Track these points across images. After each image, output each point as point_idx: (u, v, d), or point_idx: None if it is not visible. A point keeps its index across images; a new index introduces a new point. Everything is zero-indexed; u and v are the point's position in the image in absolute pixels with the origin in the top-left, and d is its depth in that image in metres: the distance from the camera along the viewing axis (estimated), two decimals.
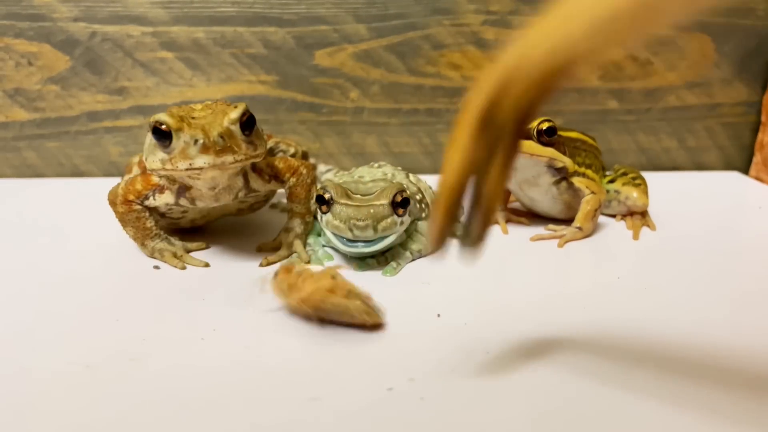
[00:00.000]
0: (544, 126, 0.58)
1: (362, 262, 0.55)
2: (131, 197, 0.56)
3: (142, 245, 0.57)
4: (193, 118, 0.50)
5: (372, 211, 0.51)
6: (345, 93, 0.86)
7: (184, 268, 0.55)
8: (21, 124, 0.85)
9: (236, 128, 0.49)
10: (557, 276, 0.55)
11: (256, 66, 0.84)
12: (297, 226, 0.59)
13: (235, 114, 0.49)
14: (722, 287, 0.52)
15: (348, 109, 0.87)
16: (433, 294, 0.50)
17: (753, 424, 0.34)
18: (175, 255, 0.56)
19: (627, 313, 0.47)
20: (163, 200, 0.55)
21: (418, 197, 0.58)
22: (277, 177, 0.58)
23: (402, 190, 0.53)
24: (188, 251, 0.58)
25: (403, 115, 0.88)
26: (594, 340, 0.43)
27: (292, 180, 0.58)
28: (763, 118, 0.89)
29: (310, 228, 0.61)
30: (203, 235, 0.62)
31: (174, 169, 0.49)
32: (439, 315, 0.46)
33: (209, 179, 0.51)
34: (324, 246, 0.58)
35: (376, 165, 0.63)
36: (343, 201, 0.52)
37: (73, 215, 0.66)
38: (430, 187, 0.62)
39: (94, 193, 0.69)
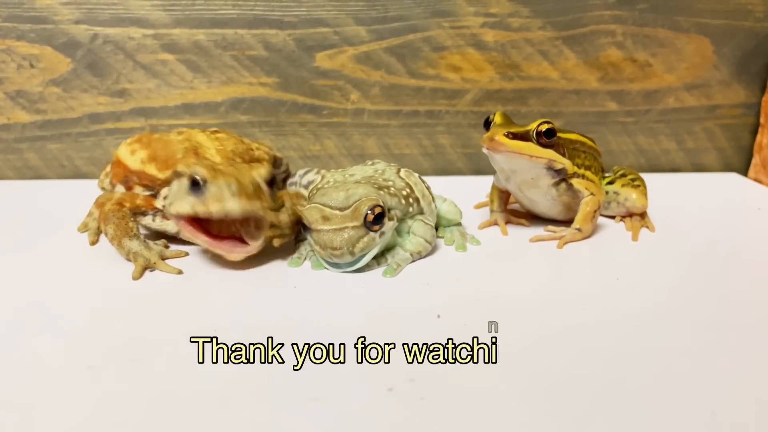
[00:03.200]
0: (544, 128, 0.59)
1: None
2: (126, 204, 0.57)
3: (119, 245, 0.55)
4: (217, 170, 0.52)
5: (346, 236, 0.52)
6: (345, 95, 0.86)
7: (137, 278, 0.53)
8: (23, 125, 0.85)
9: (262, 182, 0.53)
10: (557, 277, 0.56)
11: (257, 68, 0.84)
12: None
13: (263, 171, 0.54)
14: (721, 288, 0.52)
15: (348, 111, 0.87)
16: (433, 295, 0.51)
17: (752, 426, 0.35)
18: (147, 263, 0.54)
19: (626, 314, 0.47)
20: (165, 227, 0.58)
21: (404, 192, 0.58)
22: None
23: (375, 205, 0.53)
24: (164, 258, 0.56)
25: (403, 117, 0.88)
26: (593, 340, 0.43)
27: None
28: (762, 120, 0.89)
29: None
30: None
31: (205, 211, 0.51)
32: (439, 316, 0.46)
33: (230, 260, 0.54)
34: None
35: (369, 163, 0.64)
36: (319, 227, 0.53)
37: (74, 217, 0.66)
38: (423, 182, 0.62)
39: (95, 194, 0.69)
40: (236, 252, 0.53)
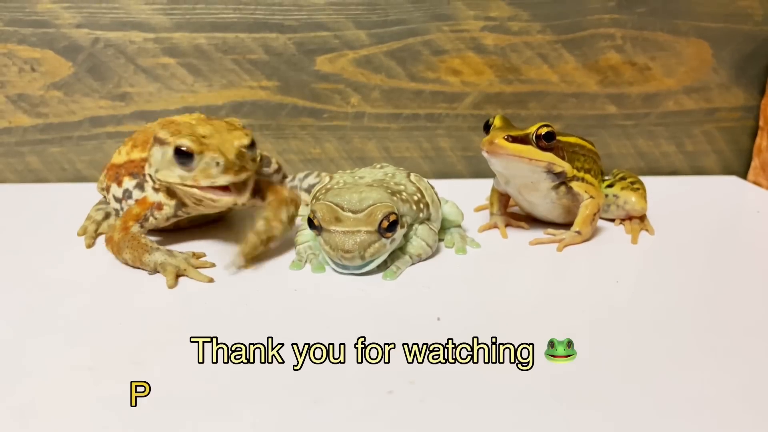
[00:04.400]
0: (543, 131, 0.59)
1: None
2: (130, 223, 0.57)
3: (142, 263, 0.55)
4: (203, 137, 0.54)
5: (359, 239, 0.52)
6: (346, 98, 0.87)
7: (172, 287, 0.53)
8: (24, 129, 0.86)
9: (246, 150, 0.54)
10: (556, 280, 0.56)
11: (258, 72, 0.84)
12: (258, 226, 0.57)
13: (246, 140, 0.54)
14: (721, 290, 0.52)
15: (349, 115, 0.88)
16: (433, 297, 0.51)
17: (751, 427, 0.35)
18: (177, 270, 0.54)
19: (626, 317, 0.47)
20: (164, 215, 0.58)
21: (416, 198, 0.58)
22: (258, 192, 0.60)
23: (390, 213, 0.53)
24: (192, 265, 0.56)
25: (403, 120, 0.88)
26: (593, 343, 0.43)
27: (270, 197, 0.60)
28: (761, 123, 0.89)
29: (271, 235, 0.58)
30: (200, 238, 0.63)
31: (195, 185, 0.53)
32: (439, 318, 0.46)
33: (222, 206, 0.56)
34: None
35: (378, 166, 0.64)
36: (331, 227, 0.53)
37: (75, 220, 0.67)
38: (432, 187, 0.62)
39: (96, 198, 0.70)
40: (225, 198, 0.53)
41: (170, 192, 0.58)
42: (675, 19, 0.85)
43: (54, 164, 0.87)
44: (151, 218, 0.58)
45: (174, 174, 0.54)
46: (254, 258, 0.57)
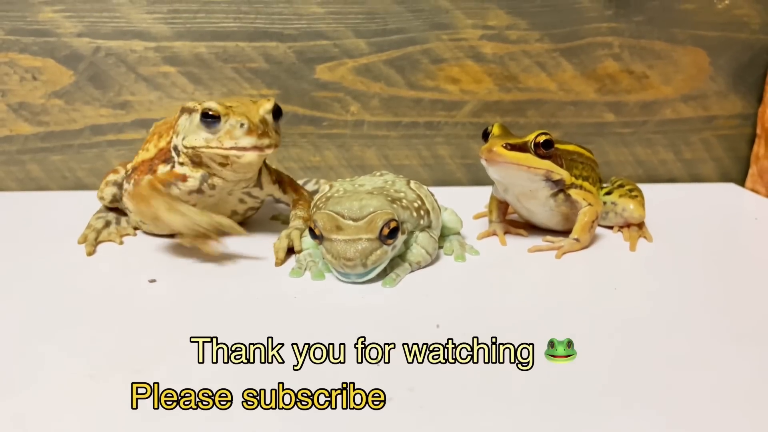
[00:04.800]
0: (541, 139, 0.59)
1: None
2: (156, 183, 0.59)
3: (169, 210, 0.56)
4: (229, 106, 0.57)
5: (360, 247, 0.52)
6: (345, 106, 0.87)
7: (235, 230, 0.57)
8: (25, 137, 0.86)
9: (270, 117, 0.58)
10: (555, 287, 0.56)
11: (258, 80, 0.85)
12: (297, 224, 0.64)
13: (269, 105, 0.59)
14: (719, 297, 0.53)
15: (348, 123, 0.88)
16: (433, 305, 0.51)
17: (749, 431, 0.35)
18: (211, 220, 0.56)
19: (624, 324, 0.47)
20: (189, 187, 0.60)
21: (416, 204, 0.59)
22: (281, 183, 0.66)
23: (391, 220, 0.53)
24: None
25: (402, 128, 0.89)
26: (592, 350, 0.43)
27: (295, 195, 0.67)
28: (759, 131, 0.90)
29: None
30: None
31: (219, 147, 0.56)
32: (438, 326, 0.46)
33: (246, 164, 0.58)
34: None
35: (378, 174, 0.64)
36: (332, 236, 0.53)
37: (76, 228, 0.67)
38: (432, 194, 0.63)
39: (97, 206, 0.70)
40: (248, 154, 0.56)
41: (196, 163, 0.60)
42: (672, 27, 0.86)
43: (55, 172, 0.88)
44: (174, 188, 0.60)
45: (200, 137, 0.57)
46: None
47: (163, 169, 0.61)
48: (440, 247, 0.63)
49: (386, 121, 0.88)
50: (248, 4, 0.82)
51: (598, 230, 0.67)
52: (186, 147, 0.58)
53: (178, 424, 0.36)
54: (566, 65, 0.87)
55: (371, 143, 0.89)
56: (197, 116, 0.57)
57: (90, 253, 0.62)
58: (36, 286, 0.54)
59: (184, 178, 0.60)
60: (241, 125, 0.55)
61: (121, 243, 0.65)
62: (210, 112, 0.56)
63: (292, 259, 0.60)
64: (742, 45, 0.87)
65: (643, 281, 0.57)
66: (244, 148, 0.56)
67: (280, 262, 0.59)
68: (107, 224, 0.66)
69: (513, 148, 0.58)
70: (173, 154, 0.61)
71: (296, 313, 0.49)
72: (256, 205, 0.67)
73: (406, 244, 0.58)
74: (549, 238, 0.65)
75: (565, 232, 0.65)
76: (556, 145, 0.61)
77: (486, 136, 0.62)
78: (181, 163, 0.60)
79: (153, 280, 0.55)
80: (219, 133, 0.56)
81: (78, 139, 0.86)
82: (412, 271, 0.57)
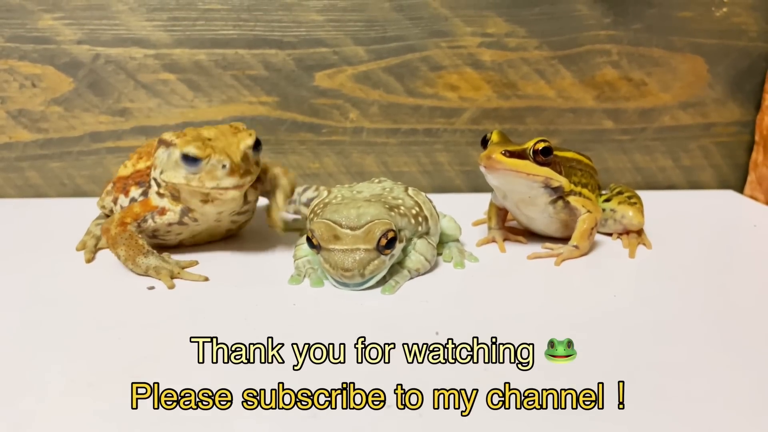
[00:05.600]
0: (540, 146, 0.59)
1: None
2: (128, 220, 0.58)
3: (134, 264, 0.57)
4: (209, 139, 0.56)
5: (358, 257, 0.52)
6: (344, 113, 0.87)
7: (173, 287, 0.55)
8: (24, 144, 0.86)
9: (250, 152, 0.57)
10: (554, 294, 0.56)
11: (257, 87, 0.85)
12: (277, 195, 0.63)
13: (251, 141, 0.57)
14: (718, 304, 0.53)
15: (347, 129, 0.88)
16: (432, 312, 0.51)
17: None
18: (171, 273, 0.56)
19: (624, 331, 0.47)
20: (166, 220, 0.59)
21: (414, 211, 0.59)
22: (256, 181, 0.61)
23: (388, 230, 0.53)
24: (183, 268, 0.58)
25: (401, 135, 0.89)
26: (591, 357, 0.43)
27: (268, 173, 0.64)
28: (757, 138, 0.90)
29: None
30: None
31: (200, 187, 0.55)
32: (437, 333, 0.46)
33: (229, 199, 0.57)
34: None
35: (376, 181, 0.64)
36: (330, 246, 0.53)
37: (75, 235, 0.67)
38: (430, 201, 0.63)
39: (96, 213, 0.70)
40: (231, 191, 0.55)
41: (175, 197, 0.58)
42: (670, 35, 0.86)
43: (54, 179, 0.88)
44: (150, 221, 0.59)
45: (179, 175, 0.55)
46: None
47: (135, 192, 0.61)
48: (439, 254, 0.63)
49: (385, 128, 0.88)
50: (248, 12, 0.82)
51: (598, 237, 0.68)
52: (165, 181, 0.57)
53: (178, 424, 0.36)
54: (565, 72, 0.87)
55: (370, 150, 0.89)
56: (176, 153, 0.55)
57: (89, 261, 0.62)
58: (34, 292, 0.54)
59: (162, 212, 0.59)
60: (223, 166, 0.54)
61: None
62: (190, 156, 0.54)
63: (290, 266, 0.60)
64: (740, 52, 0.88)
65: (642, 288, 0.57)
66: (226, 189, 0.55)
67: (277, 225, 0.62)
68: None
69: (512, 155, 0.59)
70: (153, 184, 0.60)
71: (295, 318, 0.49)
72: (248, 217, 0.66)
73: (405, 251, 0.58)
74: (548, 245, 0.65)
75: (565, 239, 0.65)
76: (555, 152, 0.61)
77: (485, 143, 0.62)
78: (161, 195, 0.59)
79: (152, 287, 0.55)
80: (200, 172, 0.54)
81: (77, 146, 0.86)
82: (411, 278, 0.57)
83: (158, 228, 0.59)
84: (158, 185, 0.59)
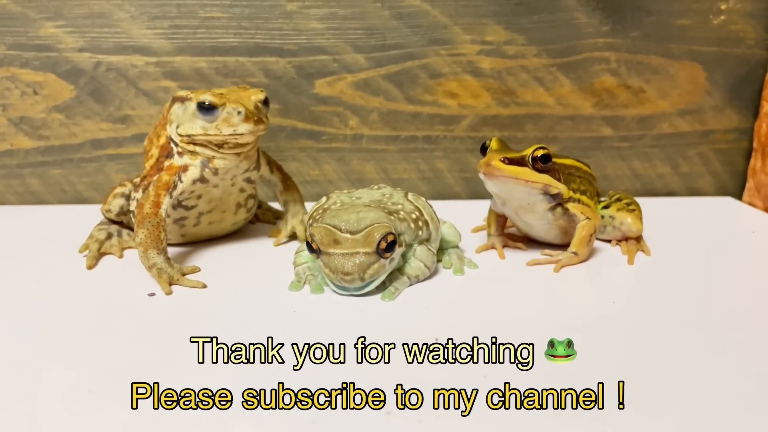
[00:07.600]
0: (539, 153, 0.59)
1: None
2: (162, 193, 0.60)
3: (145, 254, 0.57)
4: (221, 93, 0.59)
5: (358, 261, 0.52)
6: (344, 121, 0.88)
7: (170, 293, 0.55)
8: (25, 151, 0.86)
9: (261, 105, 0.61)
10: (553, 300, 0.56)
11: None
12: (296, 211, 0.70)
13: (261, 96, 0.61)
14: (717, 311, 0.53)
15: (347, 137, 0.88)
16: (431, 318, 0.51)
17: None
18: (171, 279, 0.57)
19: (622, 337, 0.48)
20: (191, 176, 0.61)
21: (413, 216, 0.59)
22: (269, 164, 0.69)
23: (388, 233, 0.53)
24: (184, 274, 0.58)
25: (401, 142, 0.89)
26: (589, 364, 0.43)
27: (281, 176, 0.71)
28: (755, 144, 0.90)
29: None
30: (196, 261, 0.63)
31: (217, 134, 0.58)
32: (437, 339, 0.46)
33: (244, 144, 0.61)
34: None
35: (375, 187, 0.65)
36: (330, 250, 0.53)
37: (76, 242, 0.67)
38: (430, 206, 0.63)
39: (97, 219, 0.70)
40: (247, 134, 0.59)
41: (193, 152, 0.61)
42: (668, 42, 0.87)
43: (55, 186, 0.88)
44: (179, 183, 0.61)
45: (197, 125, 0.59)
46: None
47: (167, 164, 0.63)
48: (439, 261, 0.63)
49: (385, 135, 0.89)
50: (248, 20, 0.83)
51: (597, 244, 0.68)
52: (181, 135, 0.60)
53: (178, 424, 0.36)
54: (564, 80, 0.87)
55: (370, 157, 0.90)
56: (192, 105, 0.59)
57: (91, 267, 0.62)
58: (35, 299, 0.54)
59: (185, 168, 0.61)
60: (239, 113, 0.58)
61: (122, 257, 0.65)
62: (206, 103, 0.57)
63: (291, 272, 0.60)
64: (738, 60, 0.88)
65: (641, 294, 0.58)
66: (242, 134, 0.58)
67: (278, 243, 0.68)
68: (109, 236, 0.66)
69: (511, 162, 0.59)
70: (171, 145, 0.62)
71: (295, 326, 0.49)
72: (253, 192, 0.70)
73: (405, 257, 0.58)
74: (547, 251, 0.65)
75: (564, 246, 0.65)
76: (554, 159, 0.61)
77: (484, 150, 0.62)
78: (180, 153, 0.62)
79: (152, 294, 0.55)
80: (216, 121, 0.58)
81: (78, 153, 0.87)
82: (411, 284, 0.57)
83: (184, 190, 0.61)
84: (175, 144, 0.62)
